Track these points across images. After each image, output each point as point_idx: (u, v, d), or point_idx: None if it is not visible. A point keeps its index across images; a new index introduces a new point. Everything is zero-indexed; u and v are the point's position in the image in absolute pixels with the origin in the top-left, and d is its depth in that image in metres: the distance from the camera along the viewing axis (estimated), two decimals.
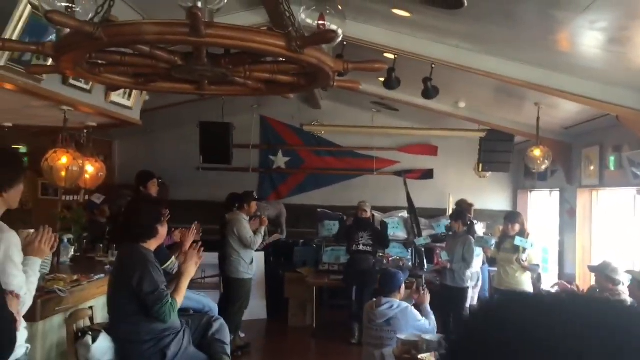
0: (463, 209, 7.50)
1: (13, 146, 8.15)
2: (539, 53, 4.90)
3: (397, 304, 4.75)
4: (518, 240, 6.41)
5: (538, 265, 6.80)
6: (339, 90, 8.33)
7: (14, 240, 2.58)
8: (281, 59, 2.49)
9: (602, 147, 6.76)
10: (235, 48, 2.35)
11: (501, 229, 7.11)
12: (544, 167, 6.76)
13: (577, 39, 4.47)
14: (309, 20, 2.58)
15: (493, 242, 6.97)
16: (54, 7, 2.26)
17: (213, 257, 7.09)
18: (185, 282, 3.53)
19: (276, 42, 2.19)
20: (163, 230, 3.58)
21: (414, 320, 4.74)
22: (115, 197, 7.34)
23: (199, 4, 2.17)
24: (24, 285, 2.59)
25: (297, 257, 9.13)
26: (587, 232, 7.45)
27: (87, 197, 8.18)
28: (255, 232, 6.83)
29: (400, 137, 10.31)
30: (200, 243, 3.80)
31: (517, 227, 6.60)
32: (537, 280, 7.82)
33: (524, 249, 6.41)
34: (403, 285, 5.03)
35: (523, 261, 6.40)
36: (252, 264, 6.95)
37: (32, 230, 4.86)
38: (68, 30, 2.24)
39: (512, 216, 6.85)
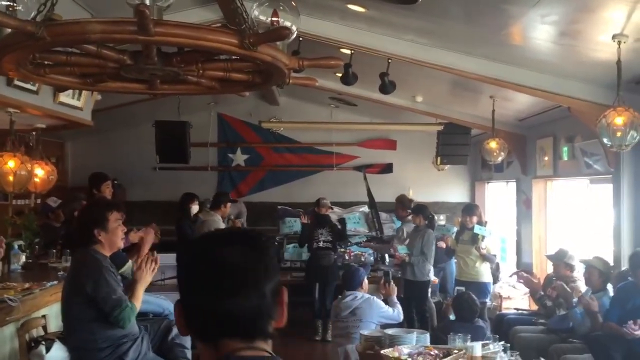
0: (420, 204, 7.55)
1: None
2: (493, 47, 4.96)
3: (360, 295, 4.93)
4: (477, 229, 6.51)
5: (495, 255, 6.91)
6: (296, 86, 8.34)
7: None
8: (234, 56, 2.43)
9: (555, 138, 6.91)
10: (186, 46, 2.29)
11: (459, 221, 7.21)
12: (500, 158, 6.88)
13: (529, 32, 4.54)
14: (262, 17, 2.52)
15: (454, 230, 7.08)
16: None
17: (172, 258, 6.93)
18: (140, 289, 3.43)
19: (228, 40, 2.13)
20: (106, 235, 3.41)
21: (378, 308, 4.92)
22: (68, 200, 7.12)
23: (147, 1, 2.10)
24: None
25: None
26: (543, 221, 7.61)
27: (38, 201, 7.93)
28: None
29: (359, 132, 10.32)
30: (154, 251, 3.68)
31: (474, 219, 6.69)
32: (495, 270, 7.95)
33: (483, 237, 6.50)
34: (365, 281, 5.16)
35: (482, 249, 6.48)
36: None
37: None
38: (9, 30, 2.13)
39: (470, 208, 6.94)
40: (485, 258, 6.58)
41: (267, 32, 2.20)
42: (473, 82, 5.79)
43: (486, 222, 6.89)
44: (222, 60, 2.57)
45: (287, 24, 2.44)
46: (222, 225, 6.80)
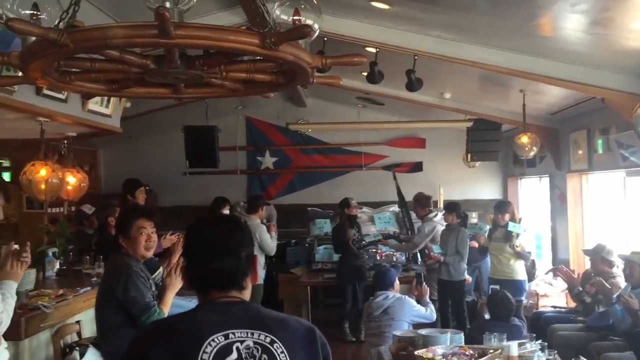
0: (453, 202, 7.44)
1: None
2: (522, 39, 4.85)
3: (392, 295, 4.93)
4: (511, 226, 6.36)
5: (530, 253, 6.76)
6: (323, 87, 8.33)
7: None
8: (257, 57, 2.41)
9: (589, 130, 6.74)
10: (207, 48, 2.27)
11: (491, 219, 7.08)
12: (532, 153, 6.73)
13: (559, 23, 4.43)
14: (284, 17, 2.49)
15: (487, 228, 6.94)
16: (18, 15, 2.18)
17: None
18: (170, 295, 3.41)
19: (249, 40, 2.11)
20: (127, 242, 3.38)
21: (411, 307, 4.91)
22: (102, 207, 7.21)
23: (167, 4, 2.09)
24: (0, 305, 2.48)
25: (290, 257, 9.03)
26: (579, 216, 7.43)
27: (71, 209, 8.05)
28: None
29: (388, 131, 10.24)
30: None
31: (507, 216, 6.53)
32: (531, 267, 7.79)
33: (517, 235, 6.36)
34: (397, 282, 5.13)
35: (517, 247, 6.35)
36: (264, 269, 7.00)
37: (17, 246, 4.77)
38: (33, 38, 2.14)
39: (502, 205, 6.78)
40: (520, 256, 6.45)
41: (288, 30, 2.17)
42: (502, 76, 5.68)
43: (520, 219, 6.73)
44: (244, 61, 2.55)
45: (309, 22, 2.40)
46: (262, 228, 6.81)
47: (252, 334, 1.69)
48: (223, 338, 1.66)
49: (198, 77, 2.56)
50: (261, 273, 6.89)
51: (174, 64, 2.38)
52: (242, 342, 1.67)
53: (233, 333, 1.67)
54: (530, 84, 5.89)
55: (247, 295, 1.80)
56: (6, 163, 8.73)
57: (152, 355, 1.64)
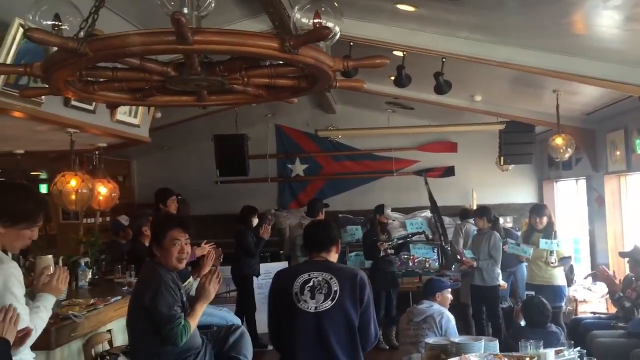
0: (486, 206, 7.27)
1: (32, 172, 8.19)
2: (554, 38, 4.73)
3: (437, 306, 4.80)
4: (543, 244, 6.07)
5: (570, 257, 6.51)
6: (352, 93, 8.30)
7: (13, 271, 2.45)
8: (277, 61, 2.38)
9: (626, 130, 6.54)
10: (226, 53, 2.25)
11: (527, 223, 6.88)
12: (567, 155, 6.56)
13: (592, 20, 4.30)
14: (304, 20, 2.46)
15: (518, 234, 6.65)
16: (40, 26, 2.19)
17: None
18: (201, 307, 3.41)
19: (269, 44, 2.08)
20: (160, 251, 3.37)
21: (449, 328, 4.70)
22: (136, 217, 7.30)
23: (185, 10, 2.07)
24: (27, 318, 2.48)
25: None
26: (618, 219, 7.21)
27: (105, 219, 8.17)
28: None
29: (418, 136, 10.14)
30: (216, 269, 3.64)
31: (544, 219, 6.26)
32: (569, 273, 7.57)
33: (551, 252, 6.09)
34: (446, 293, 4.98)
35: (552, 263, 6.09)
36: None
37: (50, 256, 4.83)
38: (55, 49, 2.16)
39: (538, 209, 6.52)
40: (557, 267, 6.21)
41: (307, 33, 2.13)
42: (534, 76, 5.55)
43: (555, 232, 6.27)
44: (265, 66, 2.52)
45: (330, 24, 2.36)
46: None
47: (322, 274, 3.19)
48: (307, 275, 3.20)
49: (220, 84, 2.54)
50: None
51: (195, 71, 2.37)
52: (315, 277, 3.18)
53: (311, 273, 3.21)
54: (564, 84, 5.74)
55: (331, 257, 3.35)
56: (43, 175, 8.91)
57: (273, 288, 3.40)
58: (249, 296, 7.44)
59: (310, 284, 3.12)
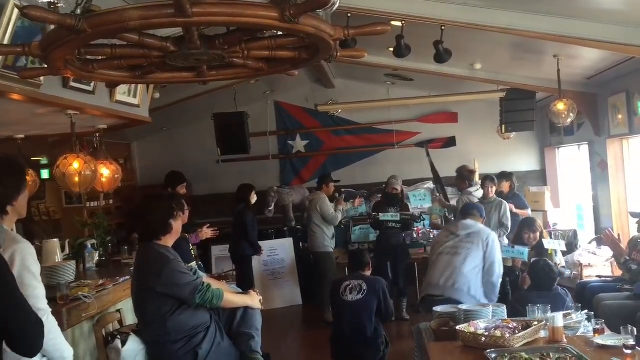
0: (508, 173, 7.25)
1: (33, 158, 8.17)
2: (554, 1, 4.66)
3: (481, 224, 5.10)
4: (547, 243, 5.88)
5: (564, 268, 6.28)
6: (351, 66, 8.24)
7: (30, 250, 2.50)
8: (278, 32, 2.35)
9: (628, 93, 6.50)
10: (225, 24, 2.22)
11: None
12: (569, 120, 6.51)
13: None
14: None
15: (526, 252, 6.17)
16: (36, 4, 2.17)
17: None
18: (236, 298, 3.62)
19: (268, 14, 2.05)
20: (177, 224, 3.47)
21: (496, 248, 4.89)
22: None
23: None
24: (44, 298, 2.50)
25: None
26: (621, 183, 7.21)
27: (109, 202, 8.18)
28: (335, 210, 7.53)
29: (419, 108, 10.09)
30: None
31: (537, 235, 5.95)
32: (573, 238, 7.62)
33: (555, 251, 5.91)
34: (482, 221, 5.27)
35: (558, 264, 5.81)
36: (333, 239, 7.65)
37: (56, 240, 4.85)
38: (52, 27, 2.13)
39: (530, 223, 6.10)
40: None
41: (306, 1, 2.10)
42: (534, 42, 5.49)
43: (546, 250, 5.93)
44: (265, 38, 2.50)
45: None
46: (329, 203, 7.53)
47: (356, 280, 4.93)
48: (348, 282, 4.94)
49: (220, 58, 2.52)
50: (330, 243, 7.54)
51: (194, 45, 2.34)
52: (351, 282, 4.92)
53: (351, 281, 4.97)
54: (565, 48, 5.68)
55: (367, 272, 5.14)
56: (44, 160, 8.90)
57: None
58: (248, 274, 7.52)
59: (350, 286, 4.90)
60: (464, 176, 7.41)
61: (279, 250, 8.71)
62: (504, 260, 5.86)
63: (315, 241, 7.54)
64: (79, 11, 2.07)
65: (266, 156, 10.32)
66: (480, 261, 4.81)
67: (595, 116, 7.36)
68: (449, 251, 4.94)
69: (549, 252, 5.90)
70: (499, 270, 4.86)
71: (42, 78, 3.58)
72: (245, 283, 7.25)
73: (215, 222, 8.38)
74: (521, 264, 5.76)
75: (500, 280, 4.96)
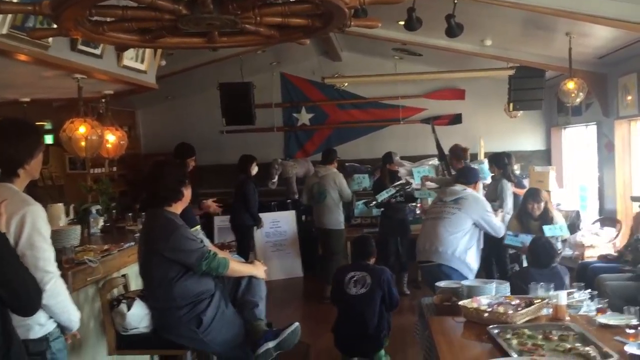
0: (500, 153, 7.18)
1: (37, 123, 8.14)
2: None
3: (470, 190, 5.08)
4: (547, 231, 5.66)
5: (566, 240, 6.19)
6: (359, 39, 8.14)
7: (41, 213, 2.49)
8: None
9: (639, 74, 6.42)
10: None
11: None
12: (578, 100, 6.46)
13: None
14: None
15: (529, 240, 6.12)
16: None
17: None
18: (242, 267, 3.64)
19: None
20: (187, 192, 3.48)
21: (484, 208, 5.03)
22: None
23: None
24: (53, 261, 2.51)
25: None
26: (627, 165, 7.18)
27: (112, 169, 8.17)
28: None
29: (426, 83, 10.01)
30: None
31: (542, 205, 5.84)
32: (575, 219, 7.57)
33: (556, 238, 5.69)
34: (479, 184, 5.42)
35: (560, 250, 5.54)
36: (344, 214, 7.57)
37: (61, 205, 4.86)
38: None
39: (535, 194, 5.97)
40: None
41: None
42: (546, 19, 5.42)
43: (552, 217, 5.86)
44: (279, 4, 2.45)
45: None
46: (341, 175, 7.45)
47: (361, 272, 4.71)
48: (352, 273, 4.71)
49: (232, 23, 2.48)
50: (341, 218, 7.40)
51: (207, 9, 2.31)
52: (355, 274, 4.70)
53: (355, 272, 4.73)
54: (577, 26, 5.61)
55: (371, 260, 4.89)
56: (48, 125, 8.87)
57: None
58: (248, 244, 7.54)
59: (354, 278, 4.71)
60: (458, 155, 7.28)
61: (281, 223, 8.72)
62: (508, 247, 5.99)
63: (331, 218, 7.29)
64: None
65: (271, 128, 10.29)
66: (468, 226, 4.91)
67: (605, 96, 7.29)
68: (434, 216, 5.07)
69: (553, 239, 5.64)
70: (497, 223, 5.13)
71: (50, 40, 3.54)
72: (244, 253, 7.29)
73: (218, 192, 8.41)
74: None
75: (503, 228, 5.24)
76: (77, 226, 4.27)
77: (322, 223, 7.38)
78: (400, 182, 7.50)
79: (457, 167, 7.33)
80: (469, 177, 5.27)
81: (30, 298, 2.15)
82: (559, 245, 5.75)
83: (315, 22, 2.66)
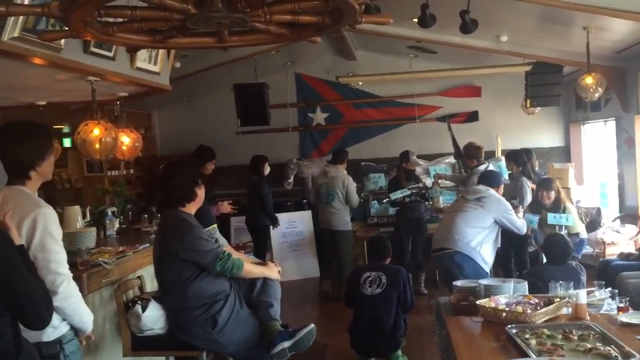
0: (519, 150, 7.08)
1: (55, 126, 8.21)
2: None
3: (493, 191, 5.10)
4: (551, 219, 5.70)
5: (578, 234, 6.03)
6: (372, 37, 8.09)
7: (52, 215, 2.49)
8: None
9: None
10: None
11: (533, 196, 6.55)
12: (597, 95, 6.35)
13: None
14: None
15: (536, 220, 5.81)
16: None
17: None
18: (256, 269, 3.59)
19: None
20: (201, 192, 3.47)
21: (506, 208, 5.04)
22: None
23: None
24: (65, 263, 2.50)
25: None
26: None
27: (128, 171, 8.22)
28: None
29: (441, 81, 9.93)
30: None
31: (552, 194, 5.79)
32: (596, 216, 7.47)
33: (560, 227, 5.68)
34: (502, 188, 5.33)
35: (575, 235, 5.65)
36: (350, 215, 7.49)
37: (78, 207, 4.88)
38: None
39: (546, 183, 5.96)
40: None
41: None
42: (563, 12, 5.33)
43: (564, 206, 5.79)
44: (288, 1, 2.43)
45: None
46: (350, 177, 7.30)
47: (376, 272, 4.73)
48: (368, 273, 4.74)
49: (241, 21, 2.46)
50: (348, 219, 7.34)
51: (216, 7, 2.29)
52: (371, 274, 4.72)
53: (370, 272, 4.76)
54: (594, 20, 5.51)
55: (386, 261, 4.95)
56: (66, 129, 8.95)
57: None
58: (265, 245, 7.52)
59: (370, 278, 4.73)
60: (472, 154, 7.09)
61: (297, 223, 8.70)
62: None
63: (338, 219, 7.22)
64: None
65: (286, 128, 10.28)
66: (488, 223, 4.91)
67: (624, 91, 7.17)
68: (454, 209, 5.10)
69: (556, 227, 5.66)
70: (518, 221, 5.11)
71: (62, 42, 3.56)
72: (261, 253, 7.28)
73: (234, 193, 8.41)
74: (531, 231, 5.79)
75: (525, 226, 5.23)
76: (92, 228, 4.29)
77: (330, 224, 7.30)
78: (418, 184, 7.45)
79: (470, 166, 7.23)
80: (491, 181, 5.25)
81: (39, 315, 2.09)
82: (576, 239, 5.68)
83: (326, 19, 2.63)
